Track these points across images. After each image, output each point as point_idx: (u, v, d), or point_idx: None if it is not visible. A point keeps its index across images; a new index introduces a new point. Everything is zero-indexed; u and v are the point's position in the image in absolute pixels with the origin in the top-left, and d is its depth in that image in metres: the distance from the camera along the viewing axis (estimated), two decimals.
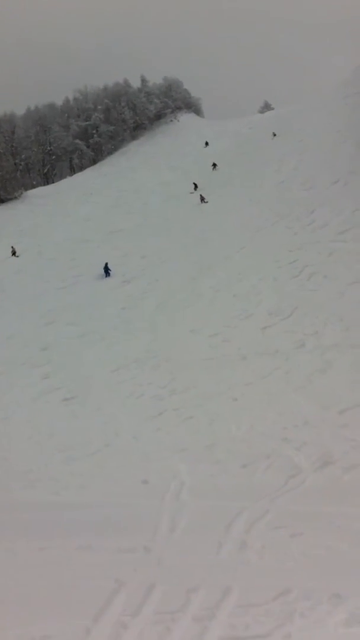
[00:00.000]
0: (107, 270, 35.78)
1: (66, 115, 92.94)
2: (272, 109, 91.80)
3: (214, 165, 53.67)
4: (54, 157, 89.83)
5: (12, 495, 11.58)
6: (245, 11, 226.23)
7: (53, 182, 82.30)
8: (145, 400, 18.10)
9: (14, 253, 46.01)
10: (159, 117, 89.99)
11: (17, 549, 8.08)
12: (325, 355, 17.55)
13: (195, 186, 50.78)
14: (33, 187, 77.91)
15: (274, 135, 55.03)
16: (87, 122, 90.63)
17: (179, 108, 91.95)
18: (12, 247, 46.74)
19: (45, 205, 63.25)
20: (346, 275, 22.80)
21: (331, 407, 13.85)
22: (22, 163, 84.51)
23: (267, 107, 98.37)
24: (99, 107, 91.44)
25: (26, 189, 72.80)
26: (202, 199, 45.43)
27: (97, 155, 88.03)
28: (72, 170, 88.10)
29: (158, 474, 11.43)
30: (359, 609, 5.32)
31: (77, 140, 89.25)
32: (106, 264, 36.17)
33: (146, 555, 7.43)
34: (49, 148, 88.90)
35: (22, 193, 69.80)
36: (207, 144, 68.11)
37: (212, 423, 14.84)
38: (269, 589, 5.98)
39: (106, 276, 35.54)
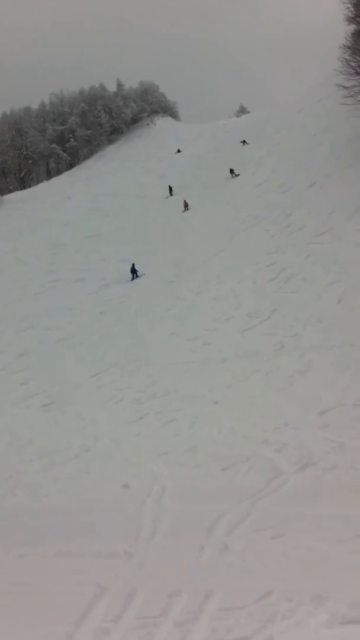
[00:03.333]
0: (134, 271, 33.77)
1: (42, 119, 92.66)
2: (248, 112, 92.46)
3: (232, 171, 47.20)
4: (30, 161, 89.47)
5: None
6: (223, 15, 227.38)
7: (30, 187, 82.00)
8: (125, 404, 18.04)
9: None
10: (135, 120, 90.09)
11: None
12: (304, 356, 17.61)
13: (170, 190, 50.54)
14: (10, 191, 77.54)
15: (244, 143, 54.11)
16: (64, 126, 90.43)
17: (155, 112, 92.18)
18: None
19: (22, 210, 62.90)
20: (324, 276, 22.90)
21: (311, 408, 13.89)
22: None
23: (242, 110, 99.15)
24: (75, 111, 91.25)
25: (3, 194, 72.51)
26: (186, 205, 44.00)
27: (73, 159, 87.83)
28: (49, 175, 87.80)
29: (139, 478, 11.37)
30: (340, 609, 5.33)
31: (54, 145, 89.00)
32: (133, 264, 34.10)
33: (127, 560, 7.38)
34: (25, 152, 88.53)
35: None
36: (179, 150, 67.94)
37: (192, 426, 14.82)
38: (251, 591, 5.96)
39: (133, 278, 33.57)
